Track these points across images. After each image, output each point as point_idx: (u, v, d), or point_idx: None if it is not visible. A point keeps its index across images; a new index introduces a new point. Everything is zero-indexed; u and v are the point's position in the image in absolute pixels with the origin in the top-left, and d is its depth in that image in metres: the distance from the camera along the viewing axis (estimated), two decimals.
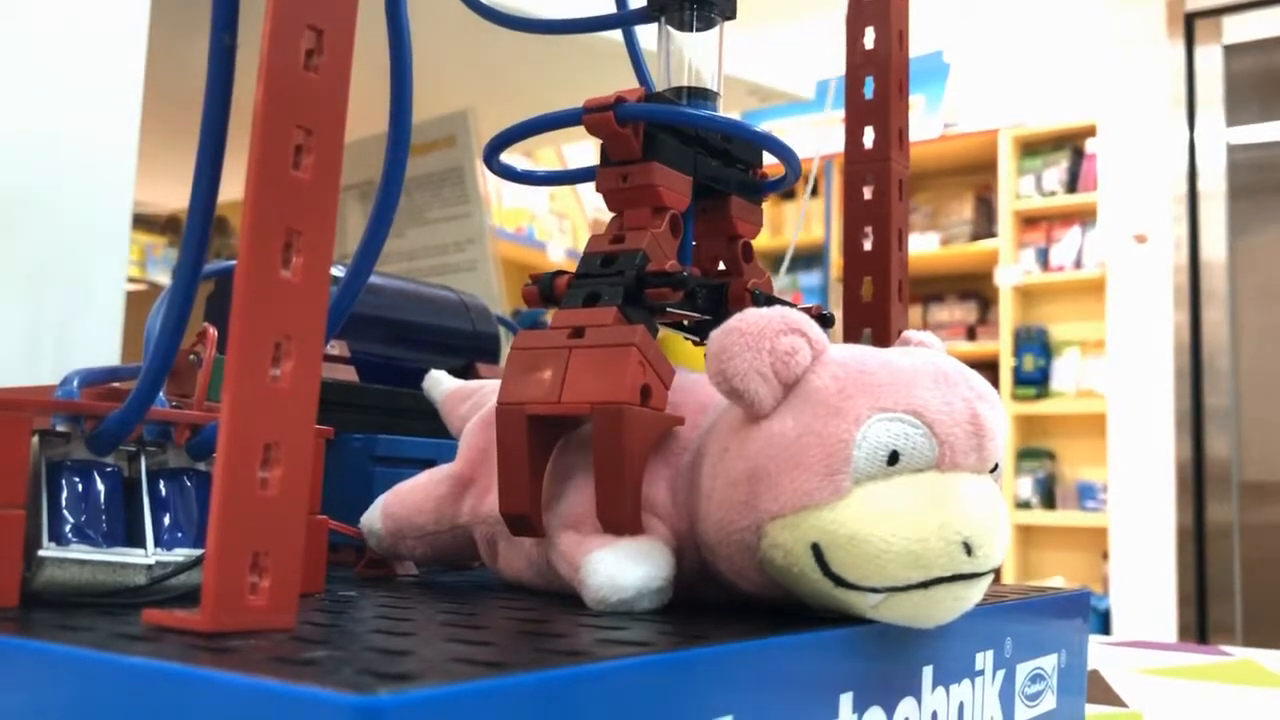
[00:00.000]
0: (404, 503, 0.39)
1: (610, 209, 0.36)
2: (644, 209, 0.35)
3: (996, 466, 0.30)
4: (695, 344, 0.39)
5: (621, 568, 0.29)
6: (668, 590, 0.30)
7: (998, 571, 0.29)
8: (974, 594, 0.28)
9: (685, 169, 0.36)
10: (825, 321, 0.36)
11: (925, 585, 0.27)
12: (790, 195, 3.32)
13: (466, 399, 0.44)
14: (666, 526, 0.31)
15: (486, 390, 0.43)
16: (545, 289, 0.35)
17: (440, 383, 0.46)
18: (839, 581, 0.27)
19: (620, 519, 0.31)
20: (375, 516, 0.40)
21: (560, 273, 0.35)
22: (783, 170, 0.39)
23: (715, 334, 0.29)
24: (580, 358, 0.32)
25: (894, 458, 0.27)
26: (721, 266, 0.39)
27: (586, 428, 0.32)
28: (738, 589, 0.31)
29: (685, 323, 0.38)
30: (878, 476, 0.27)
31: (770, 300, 0.38)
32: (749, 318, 0.29)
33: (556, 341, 0.32)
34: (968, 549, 0.27)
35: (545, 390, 0.32)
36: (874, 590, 0.27)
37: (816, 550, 0.27)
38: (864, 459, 0.27)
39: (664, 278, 0.33)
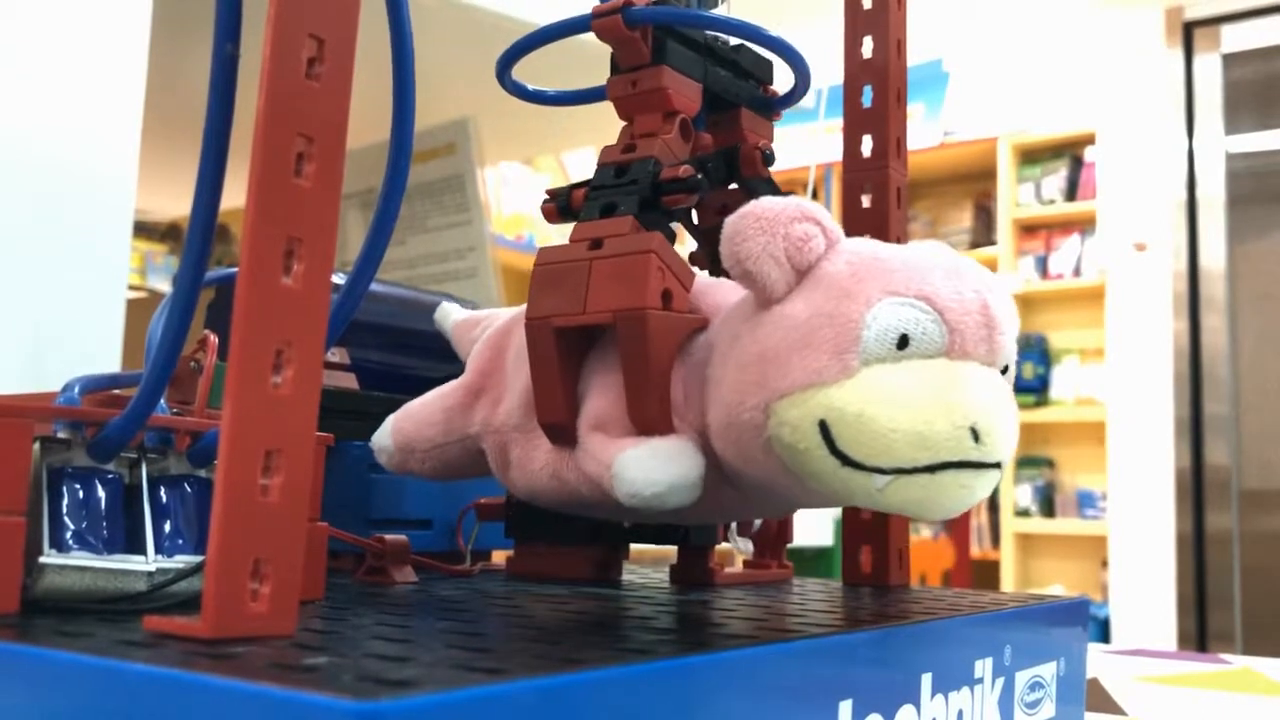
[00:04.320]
0: (414, 417, 0.40)
1: (621, 117, 0.37)
2: (654, 114, 0.36)
3: (1007, 368, 0.30)
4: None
5: (655, 464, 0.29)
6: (698, 487, 0.30)
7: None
8: (981, 485, 0.28)
9: (695, 75, 0.37)
10: None
11: (932, 470, 0.27)
12: None
13: (476, 325, 0.44)
14: (686, 425, 0.31)
15: (495, 316, 0.44)
16: (563, 203, 0.36)
17: (450, 314, 0.47)
18: (845, 460, 0.27)
19: (651, 421, 0.31)
20: (385, 433, 0.40)
21: (578, 185, 0.36)
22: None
23: (730, 218, 0.29)
24: (601, 268, 0.32)
25: (904, 342, 0.27)
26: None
27: (607, 333, 0.33)
28: (744, 478, 0.31)
29: (696, 223, 0.39)
30: (887, 359, 0.27)
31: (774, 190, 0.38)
32: (765, 203, 0.29)
33: (577, 254, 0.33)
34: (975, 435, 0.27)
35: (569, 302, 0.32)
36: (880, 471, 0.27)
37: (824, 427, 0.27)
38: (873, 340, 0.27)
39: (679, 184, 0.33)
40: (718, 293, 0.33)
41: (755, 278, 0.29)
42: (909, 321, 0.27)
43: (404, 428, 0.40)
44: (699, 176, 0.33)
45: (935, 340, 0.28)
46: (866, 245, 0.30)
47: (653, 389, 0.31)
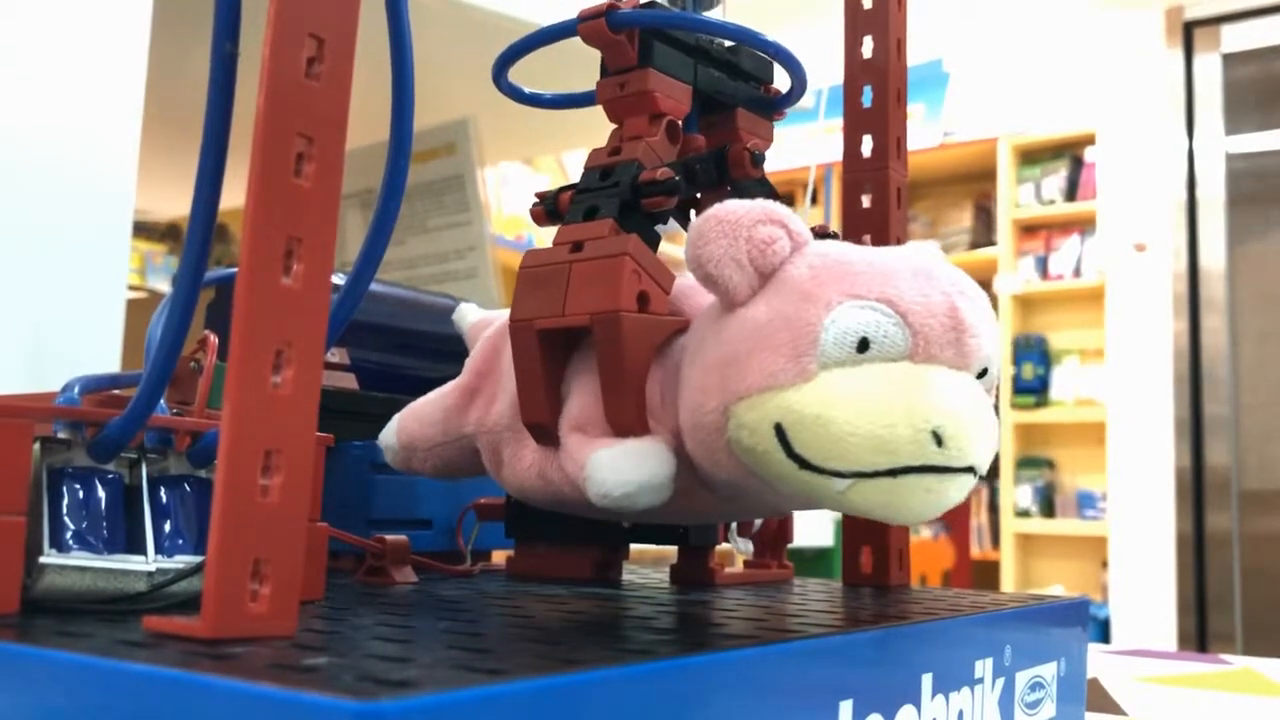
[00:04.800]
0: (417, 417, 0.40)
1: (611, 119, 0.37)
2: (641, 116, 0.36)
3: (986, 372, 0.29)
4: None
5: (625, 464, 0.29)
6: (667, 488, 0.30)
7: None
8: (949, 489, 0.27)
9: (685, 77, 0.37)
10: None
11: (894, 473, 0.26)
12: (790, 204, 3.32)
13: (488, 325, 0.44)
14: (662, 427, 0.31)
15: (506, 317, 0.44)
16: (550, 206, 0.37)
17: (468, 315, 0.47)
18: (803, 464, 0.27)
19: (627, 422, 0.31)
20: (391, 431, 0.41)
21: (565, 188, 0.36)
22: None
23: (695, 221, 0.29)
24: (580, 271, 0.32)
25: (864, 345, 0.27)
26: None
27: (588, 335, 0.33)
28: (715, 480, 0.31)
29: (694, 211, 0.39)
30: (846, 363, 0.27)
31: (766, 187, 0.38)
32: (729, 206, 0.29)
33: (559, 257, 0.33)
34: (938, 439, 0.26)
35: (550, 305, 0.33)
36: (839, 474, 0.26)
37: (780, 430, 0.27)
38: (832, 343, 0.27)
39: (656, 186, 0.33)
40: (701, 294, 0.33)
41: (717, 281, 0.29)
42: (869, 325, 0.27)
43: (408, 427, 0.40)
44: (676, 179, 0.33)
45: (898, 343, 0.27)
46: (834, 248, 0.29)
47: (628, 390, 0.31)
